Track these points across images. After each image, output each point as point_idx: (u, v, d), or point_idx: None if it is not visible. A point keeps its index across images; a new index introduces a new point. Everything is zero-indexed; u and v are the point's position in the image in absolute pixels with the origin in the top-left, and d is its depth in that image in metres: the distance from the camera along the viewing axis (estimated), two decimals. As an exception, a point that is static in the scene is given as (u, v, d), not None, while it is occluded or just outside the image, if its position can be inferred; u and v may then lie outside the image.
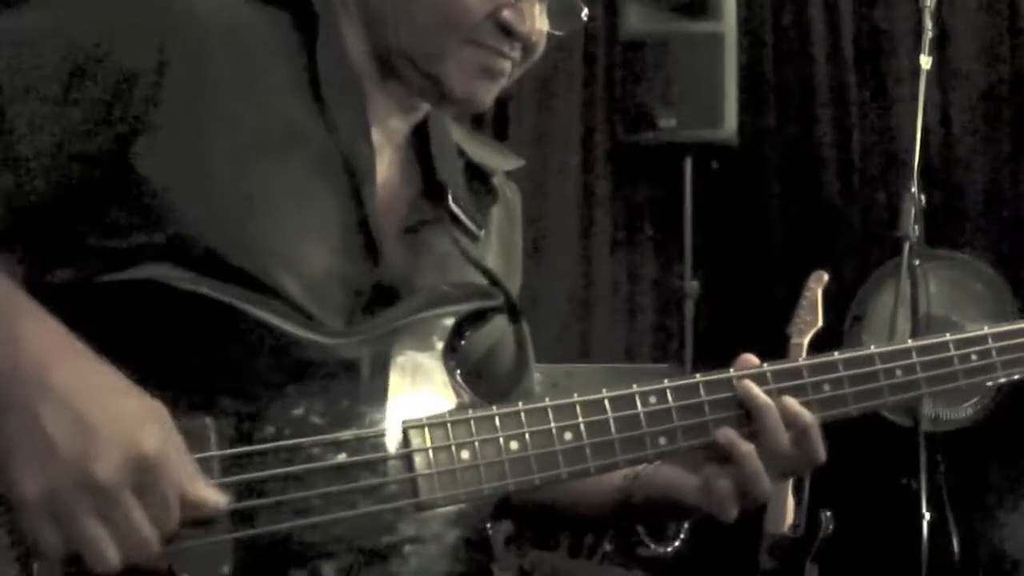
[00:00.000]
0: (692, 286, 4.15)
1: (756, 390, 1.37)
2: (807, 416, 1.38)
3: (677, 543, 3.48)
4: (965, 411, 3.91)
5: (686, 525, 3.52)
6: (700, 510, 1.43)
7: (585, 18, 1.49)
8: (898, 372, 1.42)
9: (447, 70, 1.40)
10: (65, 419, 1.09)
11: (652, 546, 3.45)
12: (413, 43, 1.40)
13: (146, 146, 1.25)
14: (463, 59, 1.40)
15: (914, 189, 3.35)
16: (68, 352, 1.14)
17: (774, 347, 3.62)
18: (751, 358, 1.42)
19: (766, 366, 1.40)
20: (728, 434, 1.37)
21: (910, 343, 1.43)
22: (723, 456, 1.38)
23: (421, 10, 1.38)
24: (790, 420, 1.38)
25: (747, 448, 1.36)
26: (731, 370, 1.39)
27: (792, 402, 1.38)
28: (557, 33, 1.47)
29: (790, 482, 3.54)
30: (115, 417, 1.11)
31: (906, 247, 3.33)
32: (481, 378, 1.46)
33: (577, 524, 1.71)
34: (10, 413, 1.10)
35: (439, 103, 1.47)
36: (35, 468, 1.08)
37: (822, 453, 1.40)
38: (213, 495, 1.16)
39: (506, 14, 1.39)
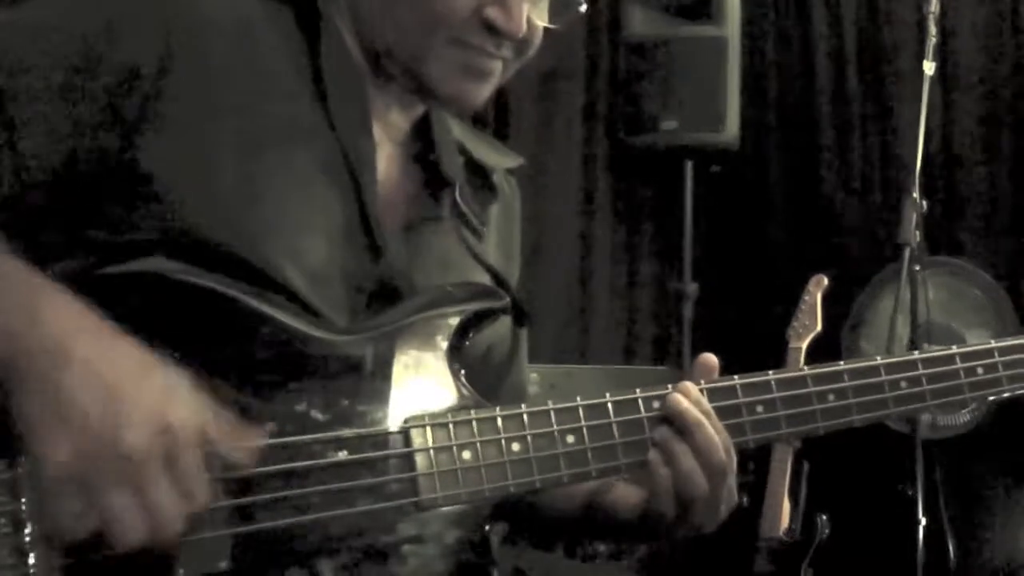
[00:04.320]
0: (691, 288, 4.15)
1: (686, 404, 1.34)
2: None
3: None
4: (963, 418, 3.91)
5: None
6: (638, 527, 1.40)
7: (583, 10, 1.45)
8: (903, 384, 1.41)
9: (431, 70, 1.38)
10: (92, 389, 1.09)
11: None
12: (397, 42, 1.38)
13: (149, 139, 1.25)
14: (446, 58, 1.37)
15: (915, 194, 3.35)
16: (90, 326, 1.14)
17: (772, 351, 3.63)
18: (709, 357, 1.39)
19: (771, 374, 1.39)
20: (664, 432, 1.34)
21: (916, 355, 1.42)
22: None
23: (404, 9, 1.36)
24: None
25: (682, 447, 1.33)
26: (735, 378, 1.38)
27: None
28: (554, 27, 1.43)
29: (786, 486, 3.54)
30: (142, 388, 1.11)
31: (906, 253, 3.33)
32: (478, 376, 1.45)
33: (546, 531, 1.68)
34: (35, 388, 1.10)
35: (429, 102, 1.46)
36: (64, 437, 1.08)
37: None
38: (251, 435, 1.17)
39: (491, 11, 1.36)
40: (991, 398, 1.46)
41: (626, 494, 1.41)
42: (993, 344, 1.44)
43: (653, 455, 1.34)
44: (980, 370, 1.44)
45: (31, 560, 1.12)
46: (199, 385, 1.16)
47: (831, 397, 1.39)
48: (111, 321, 1.16)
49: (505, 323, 1.46)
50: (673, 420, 1.34)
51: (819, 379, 1.39)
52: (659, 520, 1.37)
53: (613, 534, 1.53)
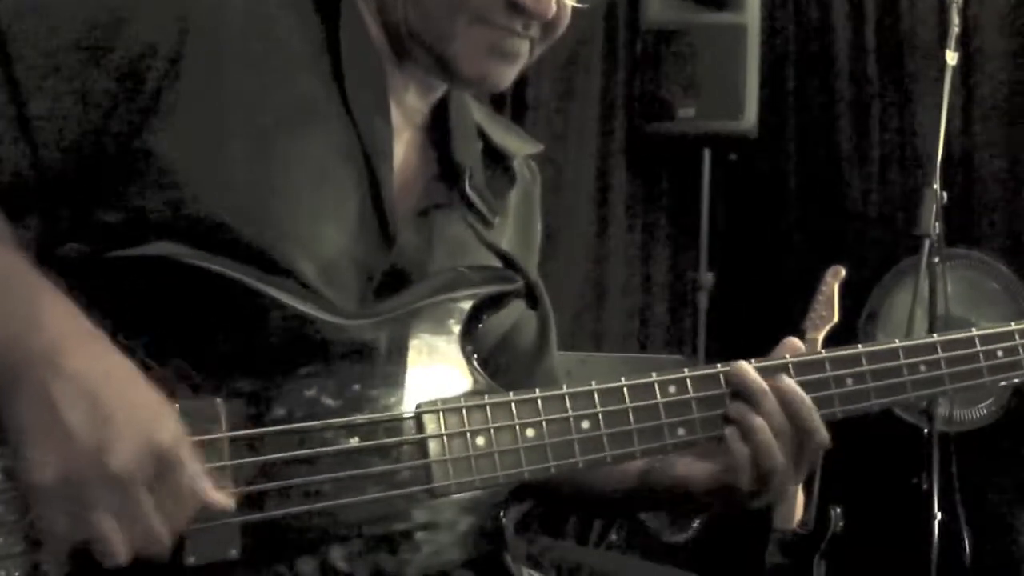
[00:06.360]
0: (707, 278, 4.14)
1: (752, 375, 1.35)
2: (800, 394, 1.36)
3: (691, 532, 3.47)
4: (980, 412, 3.89)
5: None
6: (712, 498, 1.41)
7: None
8: (922, 367, 1.40)
9: (456, 51, 1.36)
10: (81, 406, 1.07)
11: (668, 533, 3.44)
12: (422, 23, 1.37)
13: (162, 122, 1.24)
14: (472, 38, 1.36)
15: (936, 186, 3.32)
16: (83, 336, 1.13)
17: (788, 341, 3.60)
18: (796, 342, 1.40)
19: (788, 358, 1.38)
20: (740, 408, 1.34)
21: (935, 337, 1.41)
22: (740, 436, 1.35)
23: None
24: (786, 400, 1.35)
25: (759, 422, 1.34)
26: (751, 361, 1.37)
27: (787, 382, 1.36)
28: (581, 6, 1.41)
29: (801, 478, 3.52)
30: (131, 407, 1.10)
31: (926, 244, 3.30)
32: (500, 362, 1.43)
33: (595, 507, 1.69)
34: (24, 396, 1.08)
35: (453, 83, 1.45)
36: (51, 455, 1.07)
37: (823, 432, 1.36)
38: (220, 499, 1.14)
39: None
40: (1004, 383, 1.44)
41: (695, 469, 1.40)
42: (1014, 326, 1.43)
43: (730, 431, 1.35)
44: (1000, 353, 1.43)
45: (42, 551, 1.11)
46: (184, 400, 1.14)
47: (849, 381, 1.38)
48: (109, 314, 1.15)
49: (521, 309, 1.45)
50: (740, 391, 1.34)
51: (837, 363, 1.38)
52: (735, 493, 1.37)
53: (678, 507, 1.53)
